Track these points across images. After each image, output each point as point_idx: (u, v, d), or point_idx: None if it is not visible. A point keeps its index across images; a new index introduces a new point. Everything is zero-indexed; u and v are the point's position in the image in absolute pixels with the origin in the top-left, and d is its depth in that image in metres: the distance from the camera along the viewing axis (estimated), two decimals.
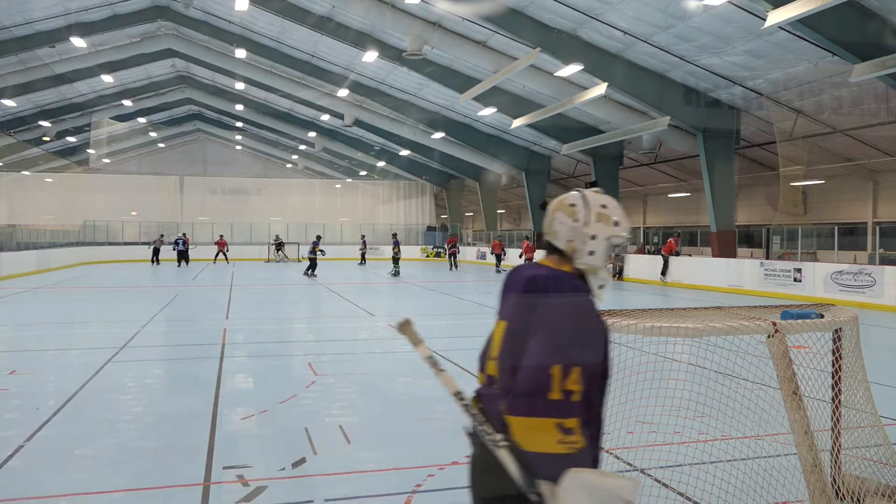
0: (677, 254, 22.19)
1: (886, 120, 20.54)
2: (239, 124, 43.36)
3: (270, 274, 27.58)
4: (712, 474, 3.87)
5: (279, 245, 37.53)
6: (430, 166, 42.69)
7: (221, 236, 35.16)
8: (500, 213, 51.59)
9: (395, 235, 28.90)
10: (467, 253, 40.28)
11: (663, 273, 21.75)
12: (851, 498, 3.63)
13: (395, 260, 26.53)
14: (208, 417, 5.90)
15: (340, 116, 34.05)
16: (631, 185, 38.16)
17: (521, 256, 26.94)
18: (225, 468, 4.62)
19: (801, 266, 17.04)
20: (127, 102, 35.09)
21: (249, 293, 18.66)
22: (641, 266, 23.30)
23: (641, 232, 37.03)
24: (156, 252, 32.52)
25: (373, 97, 29.99)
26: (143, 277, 25.39)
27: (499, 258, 28.74)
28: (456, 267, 30.85)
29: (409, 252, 42.81)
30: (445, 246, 31.11)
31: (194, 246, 33.43)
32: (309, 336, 11.33)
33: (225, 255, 34.03)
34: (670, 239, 22.58)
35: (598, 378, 1.94)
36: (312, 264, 25.11)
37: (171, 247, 32.43)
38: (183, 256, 31.64)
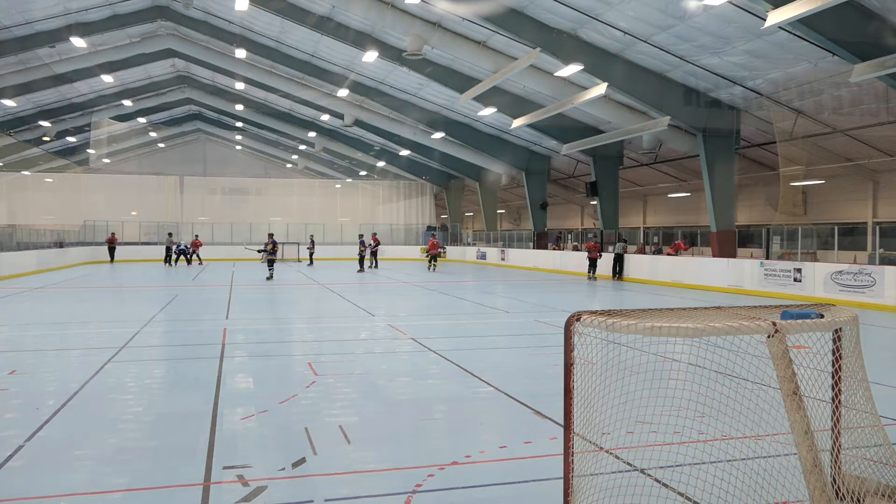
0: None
1: (886, 120, 20.55)
2: (239, 124, 43.39)
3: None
4: (712, 474, 3.87)
5: (261, 250, 37.48)
6: (430, 166, 42.70)
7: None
8: (501, 213, 51.59)
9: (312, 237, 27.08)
10: (467, 252, 40.25)
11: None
12: (851, 498, 3.63)
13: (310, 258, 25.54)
14: (208, 417, 5.91)
15: (340, 116, 34.06)
16: (631, 185, 38.18)
17: (587, 258, 24.59)
18: (225, 468, 4.63)
19: (801, 266, 17.03)
20: (127, 102, 35.14)
21: (249, 293, 18.66)
22: (641, 266, 23.29)
23: (641, 232, 37.04)
24: (168, 251, 32.93)
25: (373, 97, 30.01)
26: (142, 278, 25.38)
27: (593, 263, 24.11)
28: (377, 265, 30.31)
29: (409, 252, 42.84)
30: (371, 243, 30.06)
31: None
32: (309, 336, 11.32)
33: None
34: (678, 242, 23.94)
35: None
36: (361, 260, 26.69)
37: (174, 246, 33.13)
38: (184, 254, 32.82)
